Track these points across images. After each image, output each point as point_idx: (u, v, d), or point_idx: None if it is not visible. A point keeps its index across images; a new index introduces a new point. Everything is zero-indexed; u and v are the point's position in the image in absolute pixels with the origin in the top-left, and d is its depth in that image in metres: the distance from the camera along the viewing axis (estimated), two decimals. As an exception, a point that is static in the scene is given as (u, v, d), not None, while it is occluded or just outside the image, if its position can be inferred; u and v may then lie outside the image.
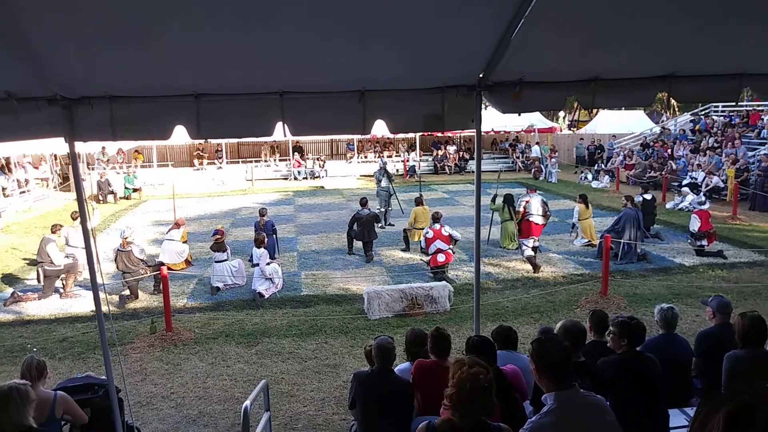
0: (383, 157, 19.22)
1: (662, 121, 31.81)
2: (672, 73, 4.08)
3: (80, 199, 4.43)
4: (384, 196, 15.93)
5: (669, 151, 23.78)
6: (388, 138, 30.12)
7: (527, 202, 11.57)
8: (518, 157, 29.45)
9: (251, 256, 10.97)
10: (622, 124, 30.23)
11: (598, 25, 3.25)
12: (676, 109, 37.42)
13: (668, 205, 17.52)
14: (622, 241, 11.27)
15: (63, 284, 10.36)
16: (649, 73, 4.09)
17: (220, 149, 28.17)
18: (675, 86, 4.14)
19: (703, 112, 28.54)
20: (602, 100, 4.27)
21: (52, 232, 10.81)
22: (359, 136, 27.13)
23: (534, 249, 11.35)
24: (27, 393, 3.21)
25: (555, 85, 4.08)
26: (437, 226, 10.77)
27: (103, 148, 25.26)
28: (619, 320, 4.13)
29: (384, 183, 15.94)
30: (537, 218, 11.43)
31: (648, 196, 13.91)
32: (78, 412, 4.54)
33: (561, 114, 44.08)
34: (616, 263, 11.01)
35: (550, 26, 3.19)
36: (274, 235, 12.39)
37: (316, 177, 26.96)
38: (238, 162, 28.73)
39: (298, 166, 27.32)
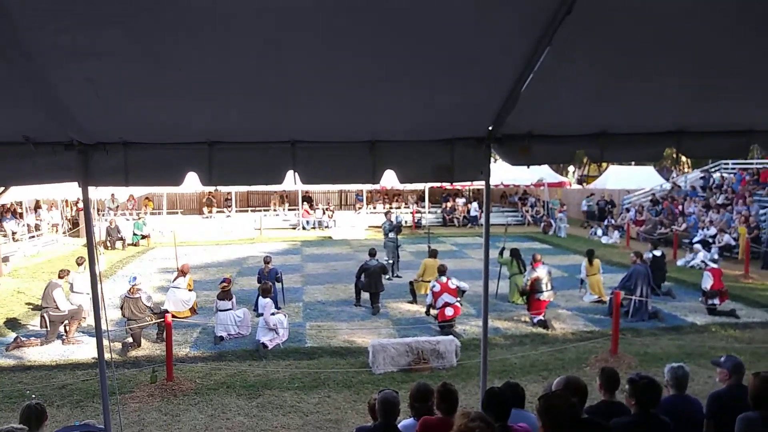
0: (392, 210, 19.25)
1: (672, 178, 31.85)
2: (680, 129, 4.08)
3: (90, 245, 4.44)
4: (391, 248, 15.87)
5: (680, 207, 23.70)
6: (397, 189, 30.28)
7: (535, 279, 11.09)
8: (527, 211, 29.44)
9: (256, 305, 10.87)
10: (632, 179, 30.22)
11: (606, 79, 3.27)
12: (688, 166, 37.54)
13: (679, 263, 17.31)
14: (633, 297, 11.09)
15: (66, 330, 10.26)
16: (657, 128, 4.10)
17: (229, 198, 28.38)
18: (683, 142, 4.14)
19: (713, 169, 28.60)
20: (610, 154, 4.28)
21: (59, 277, 10.81)
22: (368, 187, 27.31)
23: (543, 314, 11.12)
24: None
25: (563, 139, 4.09)
26: (444, 279, 10.65)
27: (113, 194, 25.54)
28: (629, 377, 4.02)
29: (391, 234, 15.88)
30: (546, 295, 11.11)
31: (658, 253, 13.77)
32: None
33: (570, 169, 44.33)
34: (626, 321, 10.81)
35: (559, 80, 3.22)
36: (280, 284, 12.31)
37: (325, 227, 27.01)
38: (247, 210, 28.91)
39: (307, 216, 27.41)
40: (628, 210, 25.82)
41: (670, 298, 12.88)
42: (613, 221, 25.40)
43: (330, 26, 2.59)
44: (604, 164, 35.88)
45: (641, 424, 3.84)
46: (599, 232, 24.32)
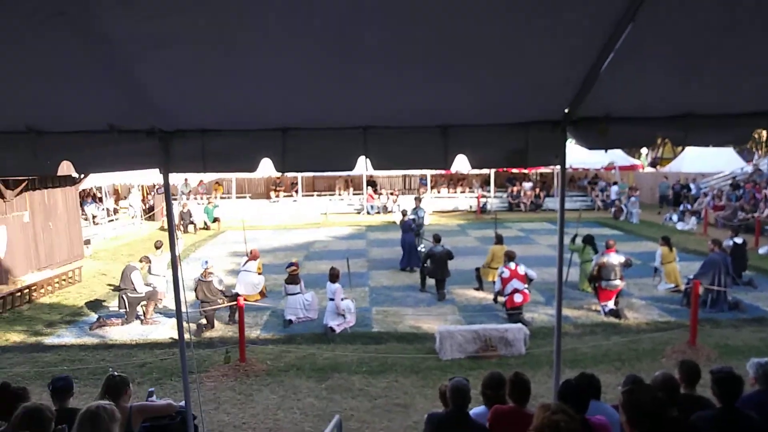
0: (420, 197, 18.88)
1: (754, 161, 30.12)
2: (771, 109, 3.82)
3: (171, 229, 4.58)
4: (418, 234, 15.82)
5: (762, 192, 22.42)
6: (461, 173, 29.95)
7: (603, 265, 10.62)
8: (597, 196, 28.56)
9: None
10: (710, 162, 28.48)
11: (691, 57, 3.08)
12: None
13: (761, 251, 16.39)
14: (710, 287, 10.58)
15: (144, 311, 10.74)
16: (746, 108, 3.84)
17: (296, 182, 28.85)
18: (774, 123, 3.88)
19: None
20: (695, 138, 4.03)
21: (141, 261, 11.33)
22: (433, 171, 27.14)
23: (615, 303, 10.76)
24: (113, 412, 3.28)
25: (644, 121, 3.89)
26: (512, 265, 10.48)
27: (186, 179, 26.41)
28: (710, 370, 3.89)
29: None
30: (614, 283, 10.60)
31: (739, 240, 13.10)
32: (157, 409, 4.69)
33: (643, 151, 42.63)
34: (705, 311, 10.33)
35: (641, 59, 3.05)
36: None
37: (389, 212, 27.07)
38: (313, 195, 29.30)
39: (372, 201, 27.54)
40: (705, 194, 24.64)
41: (751, 288, 12.25)
42: (689, 206, 24.30)
43: (401, 8, 2.54)
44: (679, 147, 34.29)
45: (725, 419, 3.69)
46: (674, 217, 23.31)
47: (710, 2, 2.56)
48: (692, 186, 27.60)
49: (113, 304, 11.61)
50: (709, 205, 23.19)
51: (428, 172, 27.99)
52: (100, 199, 23.64)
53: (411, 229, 15.18)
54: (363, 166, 3.99)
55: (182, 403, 5.01)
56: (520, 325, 9.12)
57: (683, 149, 32.93)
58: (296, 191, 28.78)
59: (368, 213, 27.00)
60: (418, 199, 17.55)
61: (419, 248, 15.36)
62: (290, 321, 10.39)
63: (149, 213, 25.21)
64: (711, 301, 10.69)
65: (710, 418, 3.74)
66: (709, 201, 23.74)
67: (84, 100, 3.36)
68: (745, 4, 2.59)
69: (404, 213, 15.98)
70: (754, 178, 25.01)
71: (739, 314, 10.47)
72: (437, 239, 12.65)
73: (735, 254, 12.38)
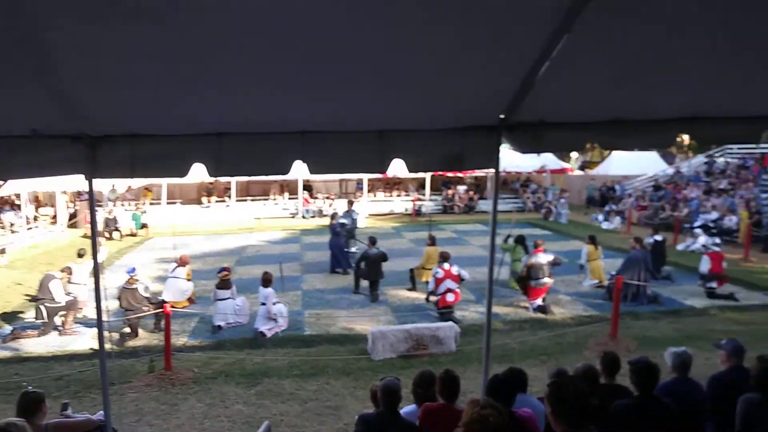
0: (353, 201, 18.88)
1: (676, 163, 31.70)
2: (693, 115, 3.99)
3: (94, 236, 4.41)
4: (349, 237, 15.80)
5: (682, 192, 23.62)
6: (397, 177, 30.13)
7: (531, 265, 10.91)
8: (529, 198, 29.33)
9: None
10: (635, 164, 29.91)
11: (621, 66, 3.19)
12: (690, 152, 37.36)
13: (679, 247, 17.27)
14: (631, 282, 11.03)
15: (62, 321, 10.24)
16: (671, 114, 4.01)
17: (229, 187, 28.28)
18: (696, 128, 4.05)
19: (717, 154, 28.45)
20: (623, 142, 4.19)
21: (62, 272, 10.81)
22: (369, 176, 27.19)
23: (543, 299, 11.06)
24: (24, 428, 3.10)
25: (576, 126, 4.00)
26: (446, 265, 10.59)
27: (113, 185, 25.46)
28: (628, 361, 4.02)
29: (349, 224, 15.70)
30: (542, 282, 10.90)
31: (659, 237, 13.74)
32: (74, 426, 4.51)
33: (573, 155, 44.14)
34: (626, 305, 10.74)
35: (574, 67, 3.14)
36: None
37: (325, 215, 26.91)
38: (247, 200, 28.80)
39: (307, 205, 27.34)
40: (630, 195, 25.71)
41: (669, 282, 12.87)
42: (614, 207, 25.31)
43: (338, 14, 2.52)
44: (606, 150, 35.71)
45: (643, 406, 3.83)
46: (600, 217, 24.24)
47: (642, 16, 2.65)
48: (617, 187, 28.76)
49: (29, 315, 11.02)
50: (633, 206, 24.22)
51: (365, 176, 28.02)
52: (19, 207, 22.44)
53: (337, 233, 15.06)
54: (299, 171, 3.93)
55: (101, 415, 4.80)
56: (451, 323, 9.22)
57: (610, 153, 34.37)
58: (229, 196, 28.22)
59: (303, 217, 26.77)
60: (350, 202, 17.42)
61: (353, 250, 15.32)
62: (219, 327, 10.14)
63: (72, 220, 24.13)
64: (632, 295, 11.16)
65: (629, 406, 3.87)
66: (633, 201, 24.79)
67: (6, 103, 3.17)
68: (671, 20, 2.71)
69: (333, 216, 15.90)
70: (675, 179, 26.31)
71: (657, 307, 10.98)
72: (373, 242, 12.66)
73: (655, 251, 12.97)
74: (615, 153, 33.37)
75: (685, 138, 4.33)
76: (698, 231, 17.46)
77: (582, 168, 42.87)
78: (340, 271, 14.59)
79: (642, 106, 3.83)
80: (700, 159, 29.43)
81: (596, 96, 3.61)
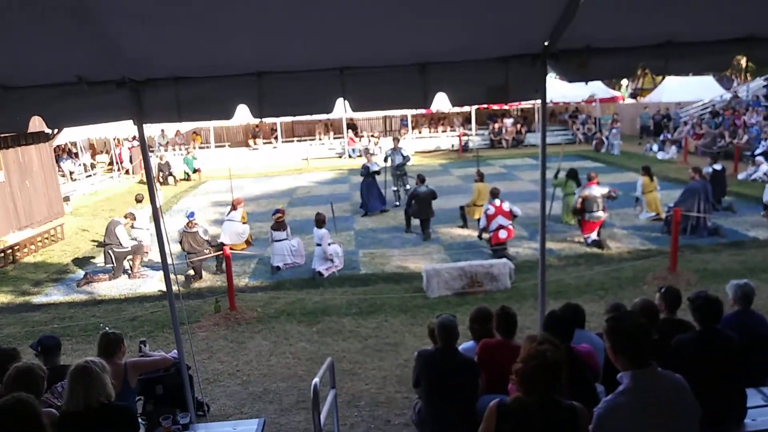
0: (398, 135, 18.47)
1: (733, 88, 30.12)
2: (750, 35, 3.78)
3: (150, 182, 4.52)
4: (398, 175, 15.71)
5: (741, 118, 22.54)
6: (442, 112, 29.67)
7: (585, 197, 10.73)
8: (578, 129, 28.54)
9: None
10: (689, 91, 28.52)
11: None
12: (748, 75, 35.39)
13: (740, 176, 16.65)
14: (690, 214, 10.75)
15: (130, 265, 10.72)
16: (725, 35, 3.80)
17: (275, 128, 28.45)
18: (754, 49, 3.84)
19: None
20: (675, 66, 4.00)
21: (125, 217, 11.23)
22: (413, 112, 26.86)
23: (598, 233, 10.90)
24: (103, 364, 3.30)
25: (624, 51, 3.85)
26: (497, 201, 10.51)
27: (162, 130, 25.95)
28: (689, 297, 4.00)
29: (398, 161, 15.57)
30: (596, 215, 10.73)
31: (718, 167, 13.25)
32: (152, 364, 4.71)
33: (624, 82, 42.42)
34: (685, 238, 10.51)
35: None
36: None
37: (371, 154, 26.83)
38: (293, 141, 28.98)
39: (353, 144, 27.31)
40: (685, 123, 24.71)
41: (730, 213, 12.48)
42: (669, 136, 24.41)
43: None
44: (658, 76, 34.13)
45: (706, 339, 3.81)
46: (655, 147, 23.45)
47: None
48: (673, 114, 27.64)
49: (99, 260, 11.56)
50: (689, 134, 23.31)
51: (408, 113, 27.70)
52: (76, 155, 23.18)
53: (367, 174, 14.93)
54: (342, 109, 3.93)
55: (175, 353, 5.06)
56: (505, 260, 9.24)
57: (663, 79, 32.82)
58: (276, 138, 28.43)
59: (350, 156, 26.81)
60: (396, 139, 17.11)
61: (405, 188, 15.32)
62: (278, 267, 10.44)
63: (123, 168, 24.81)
64: (691, 227, 10.89)
65: (691, 340, 3.86)
66: (689, 130, 23.85)
67: (50, 51, 3.24)
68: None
69: (367, 154, 15.76)
70: (732, 105, 25.08)
71: (718, 239, 10.70)
72: (421, 179, 12.64)
73: (714, 181, 12.54)
74: (668, 79, 31.81)
75: (742, 60, 4.11)
76: (760, 159, 16.74)
77: (633, 96, 41.24)
78: (367, 213, 14.64)
79: (695, 26, 3.65)
80: (759, 82, 27.80)
81: (644, 18, 3.44)
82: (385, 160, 15.88)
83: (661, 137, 24.49)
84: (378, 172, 15.15)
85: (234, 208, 12.09)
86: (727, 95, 27.71)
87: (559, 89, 24.17)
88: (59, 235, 13.71)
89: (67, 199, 17.14)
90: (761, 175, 15.72)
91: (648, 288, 8.22)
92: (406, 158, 15.84)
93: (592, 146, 25.73)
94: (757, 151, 18.47)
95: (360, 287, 9.35)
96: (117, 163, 24.39)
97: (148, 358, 4.90)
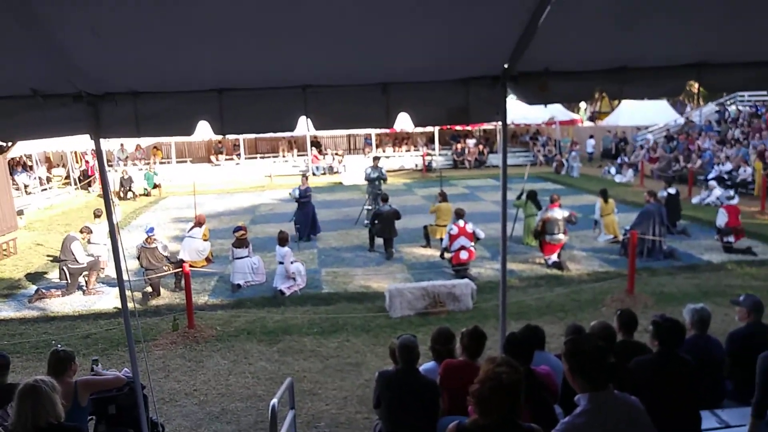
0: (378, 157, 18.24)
1: (686, 113, 31.17)
2: (702, 62, 3.91)
3: (106, 196, 4.42)
4: (373, 195, 15.27)
5: (695, 143, 23.32)
6: (406, 132, 29.87)
7: (547, 220, 10.93)
8: (539, 151, 29.08)
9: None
10: (645, 115, 29.34)
11: (627, 9, 3.11)
12: (701, 100, 36.72)
13: (694, 200, 17.15)
14: (646, 237, 11.02)
15: (86, 281, 10.42)
16: (679, 61, 3.93)
17: (237, 145, 28.21)
18: (706, 75, 3.97)
19: (728, 102, 27.93)
20: (631, 91, 4.10)
21: (81, 232, 10.94)
22: (377, 131, 26.98)
23: (558, 255, 11.06)
24: (53, 383, 3.19)
25: (582, 75, 3.94)
26: (461, 222, 10.59)
27: (122, 144, 25.45)
28: (653, 320, 4.03)
29: (375, 181, 15.26)
30: (557, 237, 10.91)
31: (672, 191, 13.63)
32: (104, 383, 4.56)
33: (582, 105, 43.46)
34: (642, 260, 10.77)
35: (578, 12, 3.06)
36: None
37: (335, 172, 26.87)
38: (256, 157, 28.74)
39: (316, 162, 27.25)
40: (641, 147, 25.41)
41: (685, 236, 12.81)
42: (626, 159, 25.06)
43: None
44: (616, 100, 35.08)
45: (664, 362, 3.85)
46: (612, 170, 24.02)
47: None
48: (630, 139, 28.43)
49: (53, 276, 11.21)
50: (645, 158, 23.97)
51: (373, 132, 27.81)
52: (31, 168, 22.53)
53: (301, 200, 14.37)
54: (305, 127, 3.91)
55: (127, 371, 4.92)
56: (467, 280, 9.29)
57: (619, 104, 33.74)
58: (238, 154, 28.17)
59: (314, 174, 26.72)
60: (376, 158, 16.43)
61: (365, 207, 15.23)
62: (239, 285, 10.29)
63: (85, 180, 24.23)
64: (647, 250, 11.14)
65: (649, 362, 3.91)
66: (645, 153, 24.52)
67: (3, 63, 3.14)
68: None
69: (303, 177, 15.21)
70: (686, 129, 25.94)
71: (673, 262, 10.98)
72: (384, 199, 12.68)
73: (669, 205, 12.89)
74: (624, 103, 32.66)
75: (695, 86, 4.25)
76: (713, 183, 17.31)
77: (591, 119, 42.25)
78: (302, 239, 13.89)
79: (649, 52, 3.74)
80: (711, 107, 28.91)
81: (602, 42, 3.51)
82: (367, 179, 15.55)
83: (618, 160, 25.12)
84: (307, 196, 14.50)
85: (197, 224, 11.89)
86: (681, 120, 28.66)
87: (519, 111, 24.60)
88: (12, 250, 13.27)
89: (21, 212, 16.65)
90: (714, 199, 16.23)
91: (607, 310, 8.37)
92: (383, 177, 15.55)
93: (552, 168, 26.21)
94: (710, 176, 19.11)
95: (322, 306, 9.28)
96: (87, 176, 23.83)
97: (99, 377, 4.74)
